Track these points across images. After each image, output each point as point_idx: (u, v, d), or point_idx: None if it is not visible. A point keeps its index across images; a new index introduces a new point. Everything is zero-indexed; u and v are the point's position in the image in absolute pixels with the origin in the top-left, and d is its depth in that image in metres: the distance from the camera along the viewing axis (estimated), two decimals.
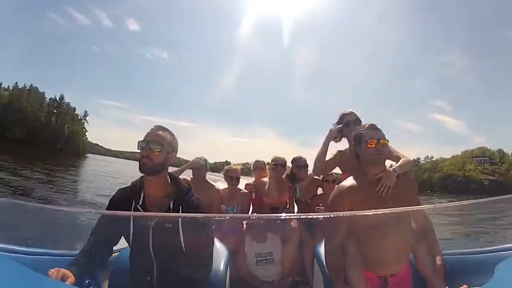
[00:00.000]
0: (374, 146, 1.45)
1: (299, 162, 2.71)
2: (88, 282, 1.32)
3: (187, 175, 2.76)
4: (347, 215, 1.47)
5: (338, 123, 2.09)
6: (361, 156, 1.50)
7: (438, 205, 1.66)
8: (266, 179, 2.73)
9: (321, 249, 1.64)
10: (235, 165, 2.80)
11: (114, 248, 1.42)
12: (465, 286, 1.28)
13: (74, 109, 68.17)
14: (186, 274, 1.34)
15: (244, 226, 2.38)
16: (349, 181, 1.50)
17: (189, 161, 2.73)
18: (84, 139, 70.09)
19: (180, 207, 1.34)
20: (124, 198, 1.36)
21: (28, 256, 1.37)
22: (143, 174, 1.35)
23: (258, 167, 2.91)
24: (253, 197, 2.75)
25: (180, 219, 1.32)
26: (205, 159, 2.76)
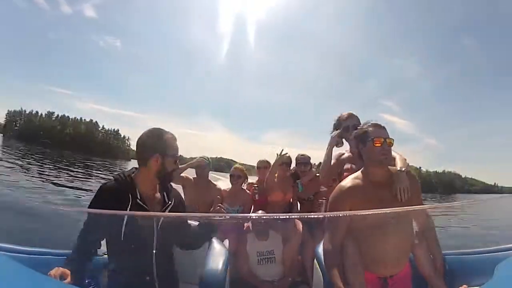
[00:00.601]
0: (380, 145, 1.40)
1: (301, 160, 2.73)
2: (88, 282, 1.32)
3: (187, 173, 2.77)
4: (347, 215, 1.44)
5: (335, 127, 2.07)
6: (365, 156, 1.45)
7: (439, 205, 1.66)
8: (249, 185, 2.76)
9: (321, 249, 1.64)
10: (239, 165, 2.85)
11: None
12: (465, 286, 1.28)
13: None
14: (182, 273, 1.35)
15: (246, 225, 2.38)
16: (350, 181, 1.46)
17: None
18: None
19: (173, 200, 1.42)
20: (118, 190, 1.31)
21: (29, 255, 1.37)
22: (134, 167, 1.41)
23: (261, 167, 2.91)
24: (256, 198, 2.75)
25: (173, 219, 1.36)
26: (208, 158, 2.80)
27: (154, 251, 1.31)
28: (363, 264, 1.39)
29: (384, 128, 1.46)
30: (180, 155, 1.44)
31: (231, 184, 2.78)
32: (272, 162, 2.70)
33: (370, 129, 1.45)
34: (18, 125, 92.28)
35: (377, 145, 1.41)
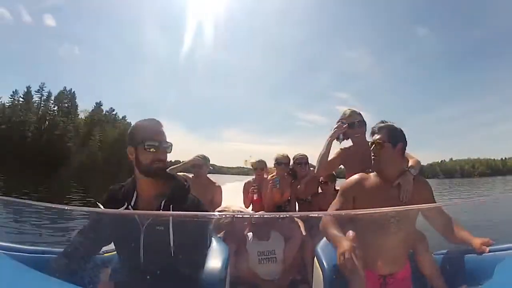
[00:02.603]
0: (370, 148, 1.46)
1: (299, 160, 2.73)
2: (88, 281, 1.32)
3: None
4: (349, 213, 1.46)
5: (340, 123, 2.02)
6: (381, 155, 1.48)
7: (440, 204, 1.66)
8: (269, 178, 2.72)
9: (321, 248, 1.64)
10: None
11: (109, 248, 1.41)
12: (465, 286, 1.28)
13: None
14: (179, 277, 1.24)
15: (245, 224, 2.39)
16: (361, 175, 1.50)
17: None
18: None
19: (171, 206, 1.21)
20: (116, 199, 1.24)
21: (28, 254, 1.37)
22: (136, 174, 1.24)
23: (258, 167, 2.91)
24: (255, 198, 2.75)
25: (171, 218, 1.21)
26: (204, 156, 2.78)
27: (142, 254, 1.22)
28: (364, 261, 1.39)
29: (380, 129, 1.51)
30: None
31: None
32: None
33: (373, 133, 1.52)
34: None
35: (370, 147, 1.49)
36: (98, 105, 64.96)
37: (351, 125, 1.96)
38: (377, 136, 1.47)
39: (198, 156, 2.74)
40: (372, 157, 1.48)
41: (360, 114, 2.01)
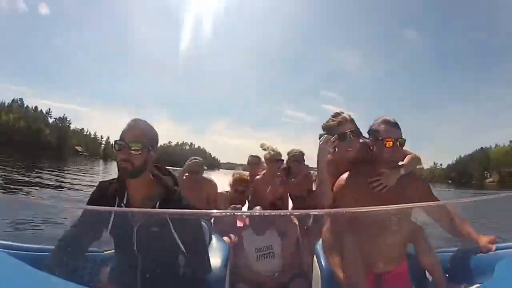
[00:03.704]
0: (391, 146, 1.35)
1: (296, 157, 2.67)
2: (86, 279, 1.32)
3: None
4: (345, 211, 1.43)
5: (328, 132, 1.53)
6: (375, 153, 1.41)
7: (441, 202, 1.64)
8: (259, 176, 2.73)
9: (319, 243, 1.64)
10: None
11: (109, 247, 1.40)
12: (465, 284, 1.28)
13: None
14: (178, 276, 1.25)
15: (242, 221, 2.39)
16: (353, 174, 1.43)
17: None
18: None
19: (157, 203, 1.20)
20: (107, 196, 1.23)
21: (27, 252, 1.37)
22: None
23: (252, 162, 2.88)
24: (249, 198, 2.76)
25: (168, 218, 1.19)
26: (200, 159, 2.72)
27: (137, 253, 1.21)
28: (362, 259, 1.38)
29: (395, 125, 1.38)
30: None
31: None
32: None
33: (382, 127, 1.38)
34: None
35: (387, 145, 1.35)
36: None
37: (342, 136, 1.48)
38: (395, 134, 1.37)
39: (194, 160, 2.68)
40: (389, 156, 1.36)
41: (352, 120, 1.53)
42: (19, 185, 10.31)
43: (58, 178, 14.99)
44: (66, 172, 19.94)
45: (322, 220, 1.80)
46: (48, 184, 11.83)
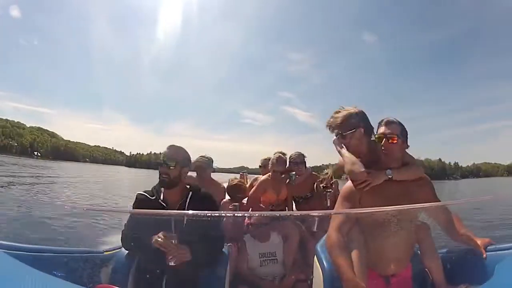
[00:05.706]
0: (381, 142, 1.39)
1: (296, 159, 2.70)
2: (87, 282, 1.32)
3: None
4: (350, 212, 1.43)
5: (331, 130, 1.54)
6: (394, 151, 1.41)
7: (443, 202, 1.64)
8: (264, 178, 2.71)
9: (321, 246, 1.63)
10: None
11: (109, 247, 1.42)
12: (465, 285, 1.27)
13: None
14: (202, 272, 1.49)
15: (245, 224, 2.37)
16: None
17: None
18: None
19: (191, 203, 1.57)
20: (146, 206, 1.56)
21: (29, 253, 1.37)
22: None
23: (263, 165, 2.88)
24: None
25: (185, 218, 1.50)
26: (209, 158, 2.68)
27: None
28: (367, 261, 1.37)
29: (392, 124, 1.42)
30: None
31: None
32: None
33: (380, 125, 1.45)
34: None
35: (378, 141, 1.40)
36: None
37: (342, 138, 1.49)
38: (387, 130, 1.40)
39: (202, 158, 2.63)
40: (384, 152, 1.39)
41: (352, 114, 1.48)
42: None
43: None
44: None
45: (328, 224, 1.79)
46: None
